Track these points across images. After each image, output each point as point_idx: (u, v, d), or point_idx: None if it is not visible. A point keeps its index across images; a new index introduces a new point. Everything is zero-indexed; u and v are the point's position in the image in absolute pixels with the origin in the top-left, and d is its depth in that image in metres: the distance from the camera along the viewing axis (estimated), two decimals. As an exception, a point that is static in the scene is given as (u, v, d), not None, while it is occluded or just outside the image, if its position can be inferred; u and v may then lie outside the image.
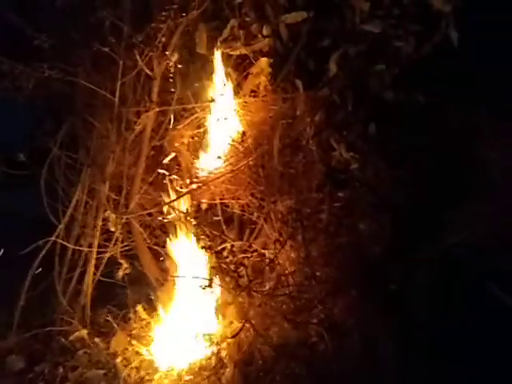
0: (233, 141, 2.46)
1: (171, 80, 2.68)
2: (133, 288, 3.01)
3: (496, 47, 2.33)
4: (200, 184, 2.46)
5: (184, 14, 2.51)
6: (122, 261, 2.72)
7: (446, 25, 2.26)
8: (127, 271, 2.76)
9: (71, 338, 2.76)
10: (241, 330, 2.19)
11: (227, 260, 2.32)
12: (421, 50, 2.35)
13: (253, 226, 2.81)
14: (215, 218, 2.68)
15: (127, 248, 2.94)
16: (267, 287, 2.50)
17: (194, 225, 2.35)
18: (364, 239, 2.55)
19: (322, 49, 2.57)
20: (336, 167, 2.57)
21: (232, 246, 2.54)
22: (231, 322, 2.46)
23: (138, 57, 2.53)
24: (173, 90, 2.63)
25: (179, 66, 2.69)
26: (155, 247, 2.88)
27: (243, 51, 2.67)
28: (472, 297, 2.15)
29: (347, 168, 2.58)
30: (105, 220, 2.84)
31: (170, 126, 2.71)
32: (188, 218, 2.37)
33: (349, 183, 2.61)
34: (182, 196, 2.43)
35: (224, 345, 2.33)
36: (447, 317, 2.16)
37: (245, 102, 2.61)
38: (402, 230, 2.44)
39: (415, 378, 2.17)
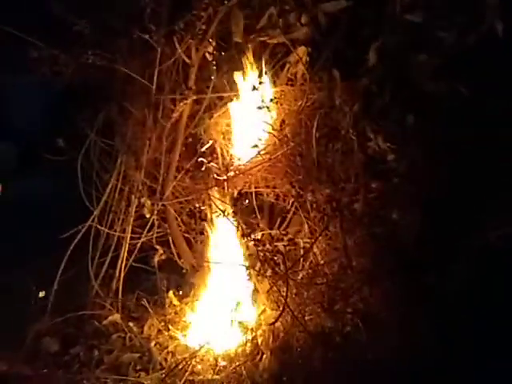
0: (271, 129, 2.46)
1: (208, 68, 2.70)
2: (163, 274, 3.06)
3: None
4: (237, 172, 2.46)
5: (224, 2, 2.50)
6: (157, 247, 2.75)
7: (492, 15, 2.23)
8: (162, 257, 2.78)
9: (105, 322, 2.80)
10: (279, 316, 2.20)
11: (264, 248, 2.33)
12: (464, 41, 2.32)
13: (283, 215, 2.83)
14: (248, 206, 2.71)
15: (160, 235, 2.98)
16: (301, 276, 2.52)
17: (233, 212, 2.36)
18: (399, 230, 2.54)
19: (361, 38, 2.55)
20: (373, 157, 2.56)
21: (269, 234, 2.55)
22: (264, 310, 2.48)
23: (177, 44, 2.53)
24: (210, 77, 2.62)
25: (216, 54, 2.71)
26: (189, 234, 2.92)
27: (281, 40, 2.66)
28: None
29: (384, 159, 2.57)
30: (138, 206, 2.87)
31: (206, 114, 2.72)
32: (226, 205, 2.37)
33: (385, 174, 2.59)
34: (219, 184, 2.44)
35: (260, 332, 2.35)
36: (486, 310, 2.15)
37: (282, 91, 2.61)
38: (439, 222, 2.42)
39: (451, 369, 2.17)
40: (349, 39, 2.60)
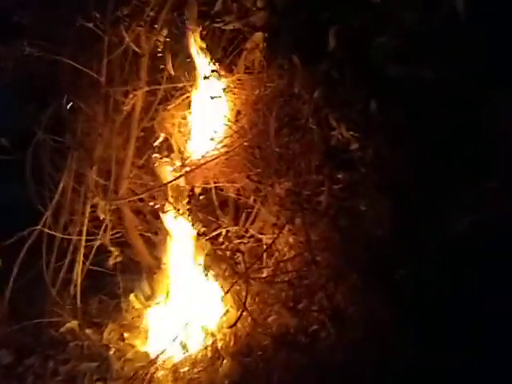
0: (227, 121, 2.33)
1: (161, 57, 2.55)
2: (125, 277, 2.92)
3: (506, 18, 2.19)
4: (193, 167, 2.33)
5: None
6: (112, 249, 2.60)
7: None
8: (118, 259, 2.64)
9: (62, 329, 2.66)
10: (238, 319, 2.08)
11: (222, 246, 2.20)
12: (426, 22, 2.21)
13: (249, 210, 2.71)
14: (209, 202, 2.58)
15: (118, 235, 2.84)
16: (265, 274, 2.40)
17: (187, 210, 2.22)
18: (366, 222, 2.43)
19: (320, 22, 2.43)
20: (336, 147, 2.44)
21: (227, 231, 2.42)
22: (227, 311, 2.36)
23: (124, 32, 2.38)
24: (162, 67, 2.48)
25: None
26: (147, 234, 2.78)
27: (236, 26, 2.52)
28: (485, 283, 2.04)
29: (347, 148, 2.45)
30: (94, 206, 2.72)
31: (161, 107, 2.58)
32: (180, 203, 2.24)
33: (349, 164, 2.48)
34: (174, 180, 2.30)
35: (220, 335, 2.22)
36: (458, 303, 2.05)
37: (239, 80, 2.47)
38: (406, 212, 2.32)
39: (422, 368, 2.06)
40: (307, 23, 2.47)
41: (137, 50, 2.48)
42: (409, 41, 2.27)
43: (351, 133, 2.45)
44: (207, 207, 2.61)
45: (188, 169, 2.37)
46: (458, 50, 2.18)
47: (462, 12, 2.21)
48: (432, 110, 2.27)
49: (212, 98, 2.32)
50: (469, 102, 2.19)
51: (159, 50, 2.53)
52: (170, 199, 2.26)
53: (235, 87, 2.43)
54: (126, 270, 2.92)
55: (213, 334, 2.22)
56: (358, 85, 2.40)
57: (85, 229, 2.70)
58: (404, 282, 2.23)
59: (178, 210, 2.25)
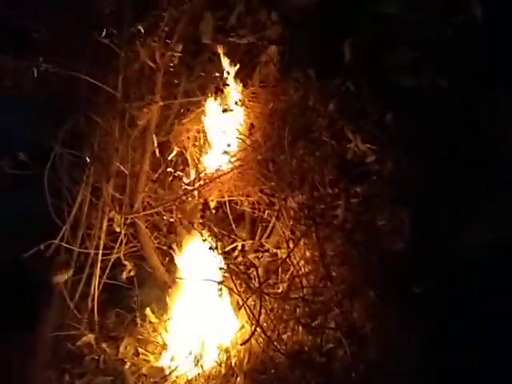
0: (240, 134, 2.31)
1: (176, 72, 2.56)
2: (142, 290, 2.92)
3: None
4: (207, 181, 2.31)
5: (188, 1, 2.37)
6: (125, 262, 2.60)
7: (469, 2, 2.07)
8: (132, 273, 2.64)
9: (78, 343, 2.66)
10: (251, 336, 2.04)
11: (236, 261, 2.17)
12: (442, 32, 2.16)
13: (265, 224, 2.68)
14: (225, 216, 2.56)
15: (135, 249, 2.84)
16: (281, 289, 2.36)
17: (201, 224, 2.21)
18: (383, 236, 2.37)
19: (335, 34, 2.40)
20: (352, 160, 2.40)
21: (243, 246, 2.40)
22: (242, 327, 2.33)
23: (139, 48, 2.40)
24: (177, 82, 2.48)
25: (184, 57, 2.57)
26: (164, 247, 2.77)
27: (251, 39, 2.52)
28: (504, 297, 1.96)
29: (364, 161, 2.41)
30: (111, 220, 2.73)
31: (176, 121, 2.58)
32: (195, 217, 2.22)
33: (366, 177, 2.43)
34: (188, 193, 2.29)
35: (234, 352, 2.19)
36: (474, 321, 1.98)
37: (253, 93, 2.46)
38: (424, 226, 2.26)
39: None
40: (322, 36, 2.45)
41: (152, 65, 2.49)
42: (425, 50, 2.23)
43: (367, 145, 2.41)
44: (223, 221, 2.59)
45: (202, 182, 2.35)
46: (474, 57, 2.13)
47: (480, 18, 2.17)
48: (449, 121, 2.22)
49: (224, 111, 2.31)
50: (487, 110, 2.13)
51: (174, 64, 2.53)
52: (185, 213, 2.24)
53: (249, 101, 2.42)
54: (144, 284, 2.93)
55: (227, 351, 2.19)
56: (373, 96, 2.37)
57: (102, 242, 2.71)
58: (420, 297, 2.16)
59: (193, 224, 2.23)
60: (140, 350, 2.54)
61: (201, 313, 2.38)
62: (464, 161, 2.35)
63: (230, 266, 2.16)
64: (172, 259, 2.60)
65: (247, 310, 2.14)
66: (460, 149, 2.34)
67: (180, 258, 2.47)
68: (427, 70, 2.20)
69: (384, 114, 2.33)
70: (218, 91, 2.33)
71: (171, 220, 2.41)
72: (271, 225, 2.61)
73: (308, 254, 2.35)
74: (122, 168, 2.59)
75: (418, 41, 2.22)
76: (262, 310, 2.14)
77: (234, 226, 2.56)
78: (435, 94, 2.19)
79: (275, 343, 2.09)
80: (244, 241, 2.45)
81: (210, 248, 2.17)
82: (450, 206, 2.28)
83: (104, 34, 2.32)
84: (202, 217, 2.18)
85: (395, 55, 2.26)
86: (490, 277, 1.99)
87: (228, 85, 2.35)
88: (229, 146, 2.35)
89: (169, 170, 2.41)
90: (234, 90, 2.40)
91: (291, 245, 2.29)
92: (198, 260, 2.40)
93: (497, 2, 2.10)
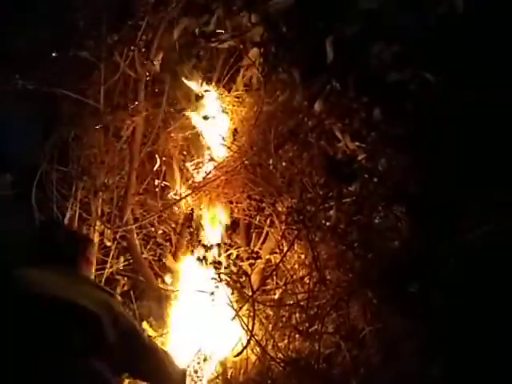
0: (224, 140, 2.26)
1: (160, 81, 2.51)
2: (141, 303, 2.87)
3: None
4: (193, 190, 2.27)
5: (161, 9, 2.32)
6: (118, 277, 2.56)
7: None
8: (125, 288, 2.59)
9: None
10: (245, 347, 1.98)
11: (227, 270, 2.12)
12: (424, 24, 2.10)
13: (258, 231, 2.62)
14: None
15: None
16: (277, 295, 2.31)
17: (189, 233, 2.16)
18: (378, 236, 2.31)
19: (317, 32, 2.34)
20: (342, 159, 2.34)
21: (234, 253, 2.34)
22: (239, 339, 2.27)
23: (118, 58, 2.35)
24: (158, 91, 2.44)
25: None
26: (157, 259, 2.73)
27: (232, 43, 2.46)
28: (501, 294, 1.89)
29: (354, 159, 2.34)
30: (103, 234, 2.69)
31: (161, 130, 2.53)
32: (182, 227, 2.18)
33: (357, 176, 2.37)
34: (174, 203, 2.25)
35: (230, 363, 2.14)
36: (476, 319, 1.91)
37: (237, 98, 2.41)
38: (419, 223, 2.19)
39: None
40: (304, 35, 2.39)
41: (132, 74, 2.45)
42: (408, 43, 2.16)
43: (357, 143, 2.35)
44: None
45: (190, 191, 2.31)
46: (460, 48, 2.06)
47: (461, 5, 2.10)
48: (440, 115, 2.15)
49: (205, 118, 2.26)
50: (477, 104, 2.06)
51: (156, 73, 2.48)
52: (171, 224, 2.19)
53: (234, 105, 2.37)
54: (142, 297, 2.88)
55: (222, 363, 2.14)
56: (360, 94, 2.31)
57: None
58: (419, 296, 2.09)
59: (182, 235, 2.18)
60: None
61: (198, 325, 2.33)
62: (458, 155, 2.28)
63: (221, 276, 2.10)
64: (166, 271, 2.56)
65: (240, 320, 2.08)
66: (452, 145, 2.27)
67: (174, 270, 2.42)
68: (411, 64, 2.13)
69: (371, 110, 2.26)
70: (198, 98, 2.27)
71: (159, 233, 2.36)
72: (265, 230, 2.56)
73: (302, 258, 2.30)
74: (109, 181, 2.54)
75: (401, 34, 2.16)
76: (258, 319, 2.08)
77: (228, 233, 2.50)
78: (421, 87, 2.12)
79: (271, 352, 2.04)
80: (238, 248, 2.40)
81: (198, 259, 2.12)
82: (441, 202, 2.21)
83: (81, 47, 2.26)
84: (188, 227, 2.13)
85: (378, 50, 2.20)
86: (489, 275, 1.92)
87: (208, 90, 2.30)
88: (215, 152, 2.30)
89: (157, 181, 2.35)
90: (215, 97, 2.35)
91: (284, 250, 2.24)
92: (191, 271, 2.36)
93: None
